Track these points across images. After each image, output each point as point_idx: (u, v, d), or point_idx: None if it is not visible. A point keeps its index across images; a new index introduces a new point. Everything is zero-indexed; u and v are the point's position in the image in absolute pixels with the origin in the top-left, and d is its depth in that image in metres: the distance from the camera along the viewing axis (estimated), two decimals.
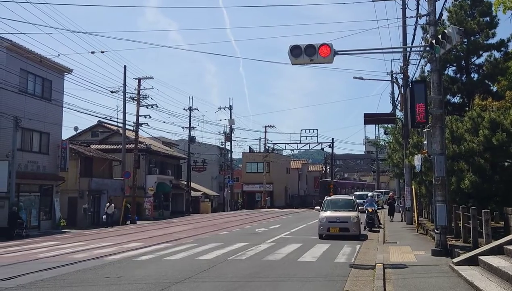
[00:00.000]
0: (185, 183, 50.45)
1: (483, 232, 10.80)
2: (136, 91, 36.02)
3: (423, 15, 15.02)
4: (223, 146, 60.75)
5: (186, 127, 51.00)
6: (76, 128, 43.07)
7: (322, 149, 57.18)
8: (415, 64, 47.61)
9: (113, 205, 31.38)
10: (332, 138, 58.31)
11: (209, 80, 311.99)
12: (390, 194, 31.83)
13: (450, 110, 19.41)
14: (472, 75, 20.44)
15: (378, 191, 53.19)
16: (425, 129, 12.96)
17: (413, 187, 21.34)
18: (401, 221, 25.51)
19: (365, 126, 51.35)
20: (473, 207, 11.76)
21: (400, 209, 28.07)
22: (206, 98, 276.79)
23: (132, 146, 36.56)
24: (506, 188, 13.88)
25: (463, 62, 20.38)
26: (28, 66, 26.38)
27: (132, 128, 37.00)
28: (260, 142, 65.05)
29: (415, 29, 20.35)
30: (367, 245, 15.99)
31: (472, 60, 20.53)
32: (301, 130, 54.86)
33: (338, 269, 10.76)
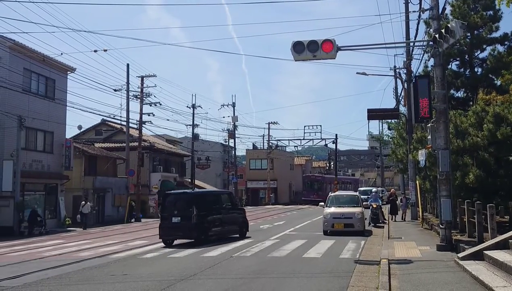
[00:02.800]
0: (189, 180, 50.47)
1: (488, 226, 10.77)
2: (139, 90, 36.02)
3: (426, 10, 14.99)
4: (227, 143, 60.71)
5: (190, 125, 50.92)
6: (80, 127, 43.03)
7: (326, 145, 57.02)
8: (419, 59, 47.35)
9: (89, 203, 28.58)
10: (336, 134, 58.02)
11: (212, 77, 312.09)
12: (392, 190, 28.31)
13: (454, 105, 19.38)
14: (475, 70, 20.40)
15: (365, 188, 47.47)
16: (429, 124, 12.93)
17: (417, 182, 21.31)
18: (402, 220, 23.45)
19: (368, 122, 50.99)
20: (478, 202, 11.74)
21: (401, 208, 24.65)
22: (209, 95, 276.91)
23: (136, 144, 36.59)
24: (511, 182, 13.83)
25: (466, 56, 20.32)
26: (31, 66, 26.43)
27: (135, 126, 37.04)
28: (263, 139, 65.00)
29: (418, 23, 20.32)
30: (371, 240, 15.99)
31: (476, 54, 20.48)
32: (305, 126, 54.74)
33: (343, 265, 10.76)
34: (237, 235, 17.69)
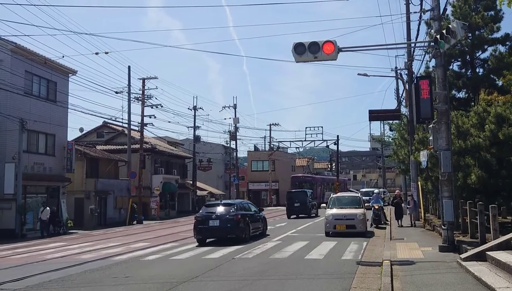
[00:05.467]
0: (191, 182, 50.51)
1: (491, 227, 10.75)
2: (141, 92, 36.09)
3: (427, 10, 14.96)
4: (228, 145, 60.75)
5: (191, 127, 51.04)
6: (81, 130, 43.26)
7: (327, 146, 56.93)
8: (420, 60, 47.57)
9: (48, 208, 25.66)
10: (337, 136, 58.09)
11: (213, 78, 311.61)
12: (396, 192, 24.71)
13: (455, 106, 19.33)
14: (477, 70, 20.35)
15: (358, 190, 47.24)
16: (431, 125, 12.91)
17: (419, 183, 21.27)
18: (411, 225, 20.38)
19: (370, 123, 50.45)
20: (480, 202, 11.71)
21: (409, 211, 21.45)
22: (210, 97, 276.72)
23: (137, 146, 36.64)
24: None
25: (468, 57, 20.29)
26: (33, 68, 26.45)
27: (137, 128, 37.09)
28: (265, 140, 65.02)
29: (419, 24, 20.29)
30: (373, 242, 15.96)
31: (477, 54, 20.43)
32: (306, 128, 54.71)
33: (345, 266, 10.74)
34: (314, 215, 31.86)
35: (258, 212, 19.28)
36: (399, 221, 21.12)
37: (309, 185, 51.54)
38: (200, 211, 17.95)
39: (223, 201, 19.68)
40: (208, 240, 16.97)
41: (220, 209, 17.20)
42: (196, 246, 15.84)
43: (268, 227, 23.51)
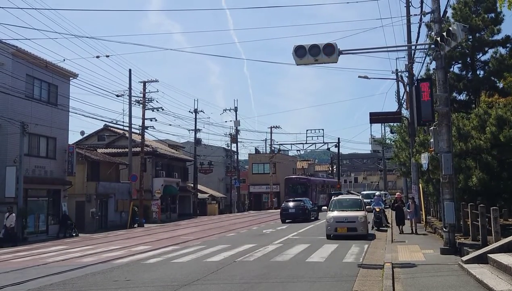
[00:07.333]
0: (192, 185, 50.51)
1: (492, 229, 10.73)
2: (142, 95, 36.13)
3: (428, 13, 15.02)
4: (229, 148, 60.78)
5: (192, 130, 51.08)
6: (82, 133, 43.23)
7: (328, 148, 57.03)
8: (420, 62, 47.57)
9: (14, 214, 22.79)
10: (338, 138, 58.45)
11: (214, 81, 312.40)
12: (397, 194, 22.55)
13: (456, 108, 19.32)
14: (478, 72, 20.32)
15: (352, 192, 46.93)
16: (432, 127, 12.91)
17: (420, 185, 21.23)
18: (411, 232, 18.53)
19: (371, 125, 50.26)
20: (481, 205, 11.69)
21: (409, 216, 19.86)
22: (211, 99, 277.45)
23: (138, 149, 36.65)
24: None
25: (468, 59, 20.26)
26: (34, 72, 26.47)
27: (138, 131, 37.11)
28: (266, 143, 65.09)
29: (420, 27, 20.34)
30: (375, 244, 15.94)
31: (478, 57, 20.41)
32: (307, 130, 54.71)
33: (347, 269, 10.73)
34: None
35: (313, 206, 32.58)
36: (401, 227, 19.40)
37: (304, 188, 49.03)
38: (283, 204, 31.46)
39: (295, 199, 32.60)
40: (287, 220, 29.13)
41: (294, 203, 30.23)
42: (198, 249, 15.83)
43: (269, 230, 23.68)
